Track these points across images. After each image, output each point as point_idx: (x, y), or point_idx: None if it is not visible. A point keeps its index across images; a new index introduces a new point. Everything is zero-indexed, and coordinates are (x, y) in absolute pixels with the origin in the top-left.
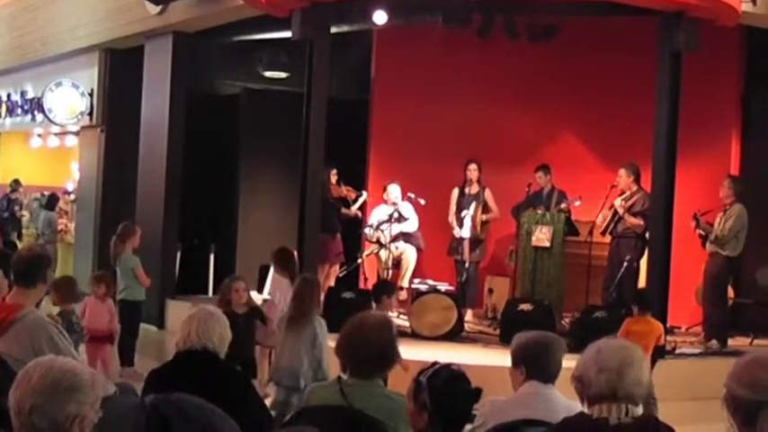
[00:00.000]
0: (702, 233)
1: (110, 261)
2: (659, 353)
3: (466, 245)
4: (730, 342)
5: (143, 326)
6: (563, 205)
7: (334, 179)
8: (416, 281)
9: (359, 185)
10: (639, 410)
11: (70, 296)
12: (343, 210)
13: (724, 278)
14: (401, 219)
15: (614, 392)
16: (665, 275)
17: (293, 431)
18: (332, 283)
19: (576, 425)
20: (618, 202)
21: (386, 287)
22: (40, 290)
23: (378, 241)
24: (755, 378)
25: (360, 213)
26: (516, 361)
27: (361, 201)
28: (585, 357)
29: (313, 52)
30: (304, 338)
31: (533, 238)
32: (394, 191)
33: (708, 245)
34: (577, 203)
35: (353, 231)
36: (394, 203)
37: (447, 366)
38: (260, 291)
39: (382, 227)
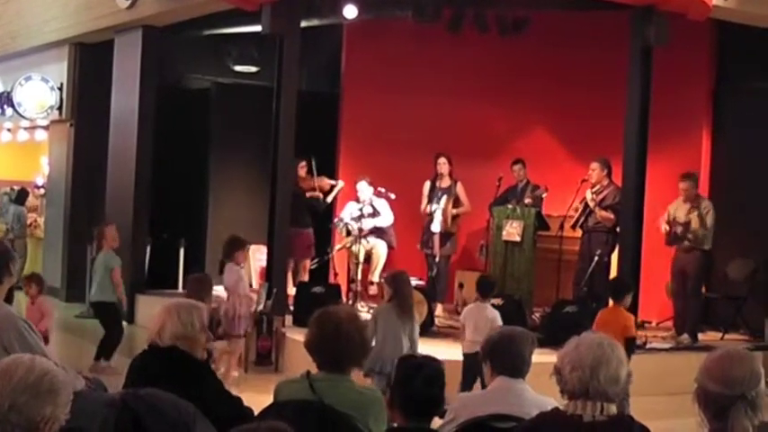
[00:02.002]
0: (677, 232)
1: (80, 255)
2: (631, 346)
3: (436, 239)
4: (701, 337)
5: None
6: (527, 200)
7: (303, 171)
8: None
9: (330, 178)
10: (615, 408)
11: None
12: (309, 194)
13: (705, 273)
14: (375, 213)
15: (586, 391)
16: (635, 270)
17: (263, 426)
18: (305, 277)
19: (549, 421)
20: (589, 196)
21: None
22: (7, 284)
23: (348, 233)
24: (727, 373)
25: (321, 197)
26: (483, 356)
27: (336, 190)
28: (563, 352)
29: (283, 46)
30: (406, 329)
31: (504, 233)
32: (363, 189)
33: (687, 242)
34: (544, 195)
35: (324, 225)
36: (365, 201)
37: (429, 356)
38: None
39: (354, 221)
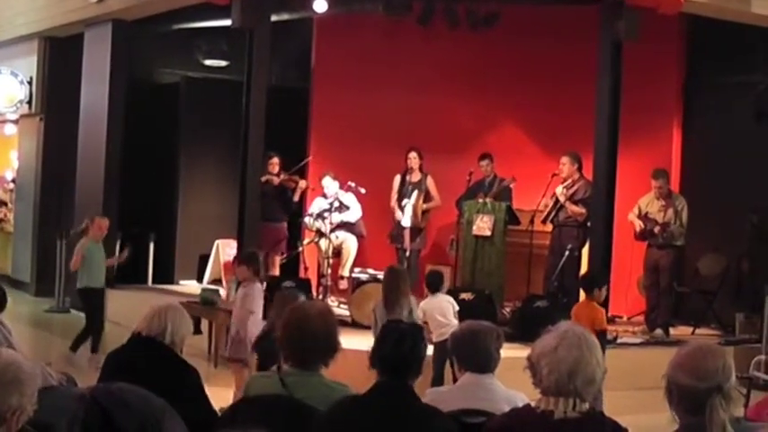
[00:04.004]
0: (654, 230)
1: (50, 250)
2: (602, 340)
3: (406, 233)
4: (672, 331)
5: (82, 315)
6: (488, 198)
7: (274, 168)
8: (357, 270)
9: (300, 172)
10: (587, 405)
11: None
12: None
13: (678, 269)
14: (342, 208)
15: (561, 391)
16: (606, 264)
17: None
18: (275, 272)
19: (521, 417)
20: (559, 190)
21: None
22: None
23: (318, 231)
24: (701, 366)
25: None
26: (450, 352)
27: (300, 189)
28: (540, 351)
29: (253, 40)
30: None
31: (474, 227)
32: (329, 185)
33: (661, 238)
34: (511, 185)
35: (294, 220)
36: (332, 196)
37: (410, 323)
38: (199, 280)
39: (324, 214)
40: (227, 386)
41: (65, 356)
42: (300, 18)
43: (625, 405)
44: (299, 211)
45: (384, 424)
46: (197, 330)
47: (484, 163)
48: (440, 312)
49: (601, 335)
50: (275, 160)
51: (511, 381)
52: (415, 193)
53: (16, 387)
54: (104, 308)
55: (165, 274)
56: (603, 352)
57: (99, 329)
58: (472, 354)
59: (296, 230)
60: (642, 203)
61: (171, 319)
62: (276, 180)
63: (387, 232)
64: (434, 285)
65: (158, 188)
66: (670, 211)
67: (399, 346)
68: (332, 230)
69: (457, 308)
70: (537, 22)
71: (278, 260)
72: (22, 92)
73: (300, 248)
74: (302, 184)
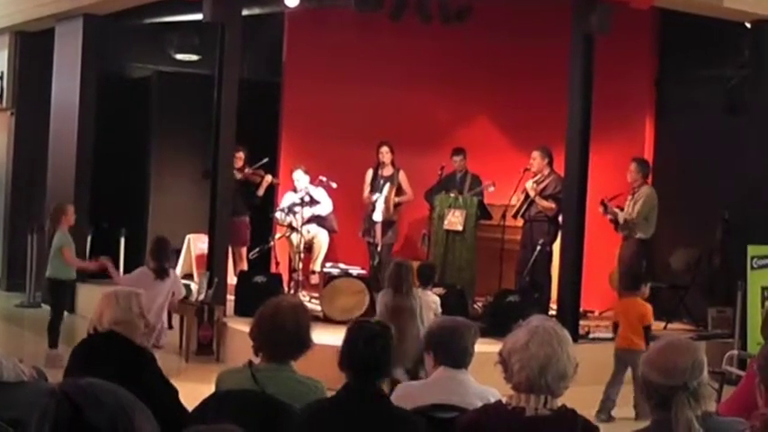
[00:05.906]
0: (611, 218)
1: (20, 244)
2: (647, 334)
3: (378, 228)
4: None
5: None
6: (469, 193)
7: (239, 162)
8: (328, 264)
9: (270, 167)
10: (559, 402)
11: None
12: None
13: (638, 261)
14: (313, 202)
15: (532, 387)
16: (578, 259)
17: (214, 429)
18: (243, 265)
19: (492, 414)
20: (530, 185)
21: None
22: None
23: (290, 225)
24: (670, 363)
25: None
26: (426, 346)
27: (265, 184)
28: (512, 347)
29: (224, 35)
30: (408, 313)
31: (446, 222)
32: (300, 178)
33: (620, 229)
34: (491, 189)
35: (264, 215)
36: (302, 190)
37: (379, 322)
38: None
39: (295, 209)
40: (200, 381)
41: (47, 356)
42: (272, 12)
43: (596, 400)
44: (264, 205)
45: (356, 428)
46: (168, 325)
47: (457, 158)
48: (426, 308)
49: (646, 329)
50: (240, 154)
51: (483, 375)
52: (387, 186)
53: None
54: (72, 302)
55: (137, 269)
56: (647, 345)
57: (56, 324)
58: (449, 350)
59: (265, 225)
60: None
61: (102, 306)
62: (239, 175)
63: (358, 226)
64: (427, 278)
65: (129, 182)
66: (631, 201)
67: (371, 346)
68: (303, 224)
69: (439, 311)
70: (509, 16)
71: (244, 253)
72: None
73: (272, 243)
74: (267, 178)
